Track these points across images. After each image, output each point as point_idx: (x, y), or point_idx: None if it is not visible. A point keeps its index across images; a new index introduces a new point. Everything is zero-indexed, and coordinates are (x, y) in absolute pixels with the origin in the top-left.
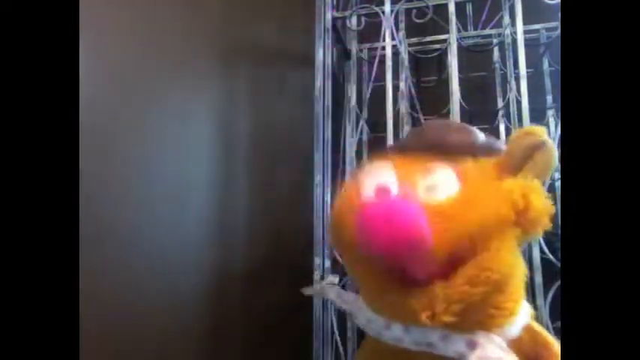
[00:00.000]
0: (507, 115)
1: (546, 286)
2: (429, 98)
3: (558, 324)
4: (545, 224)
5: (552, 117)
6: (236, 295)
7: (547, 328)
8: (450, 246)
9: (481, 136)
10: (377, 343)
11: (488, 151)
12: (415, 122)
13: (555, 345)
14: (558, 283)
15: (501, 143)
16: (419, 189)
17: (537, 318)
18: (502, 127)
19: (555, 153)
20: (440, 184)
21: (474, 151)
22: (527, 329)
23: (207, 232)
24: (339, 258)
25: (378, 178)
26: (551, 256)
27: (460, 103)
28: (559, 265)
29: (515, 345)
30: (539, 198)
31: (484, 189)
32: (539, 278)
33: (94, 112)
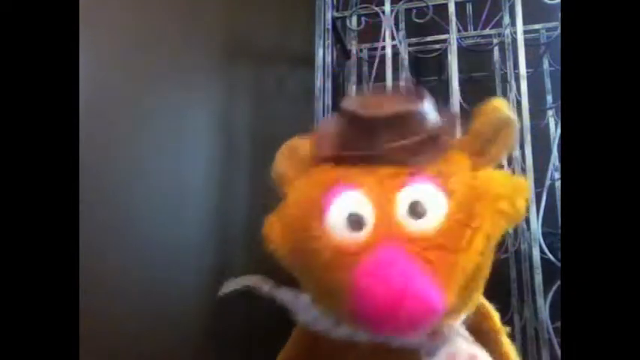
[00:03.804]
0: None
1: (546, 286)
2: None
3: (558, 324)
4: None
5: (552, 117)
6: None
7: (547, 328)
8: (458, 287)
9: (424, 104)
10: (314, 338)
11: (440, 124)
12: None
13: (495, 315)
14: (558, 283)
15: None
16: (399, 211)
17: (537, 318)
18: None
19: (516, 130)
20: (423, 201)
21: (425, 124)
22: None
23: (206, 233)
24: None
25: (345, 202)
26: (551, 256)
27: (460, 103)
28: (559, 265)
29: (465, 321)
30: (524, 202)
31: (476, 204)
32: (539, 278)
33: (93, 113)
